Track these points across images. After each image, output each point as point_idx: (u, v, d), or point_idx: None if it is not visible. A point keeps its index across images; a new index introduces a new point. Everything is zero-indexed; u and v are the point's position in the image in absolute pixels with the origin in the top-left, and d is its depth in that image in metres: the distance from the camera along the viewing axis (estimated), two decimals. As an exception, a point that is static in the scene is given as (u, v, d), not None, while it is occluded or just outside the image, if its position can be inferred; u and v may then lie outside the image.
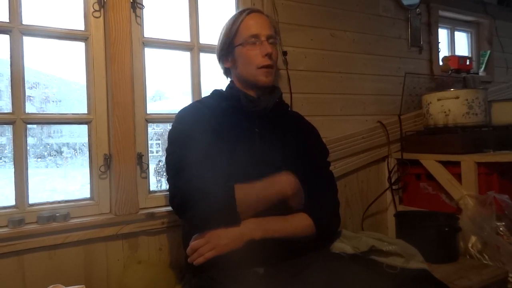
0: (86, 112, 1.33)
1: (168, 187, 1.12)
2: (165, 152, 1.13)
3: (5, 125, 1.23)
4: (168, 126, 1.18)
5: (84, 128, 1.33)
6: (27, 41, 1.23)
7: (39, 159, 1.32)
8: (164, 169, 1.49)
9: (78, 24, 1.31)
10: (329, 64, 1.81)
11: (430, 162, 1.77)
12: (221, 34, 1.22)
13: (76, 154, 1.39)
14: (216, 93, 1.22)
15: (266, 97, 1.16)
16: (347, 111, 1.86)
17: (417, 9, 2.11)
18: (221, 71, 1.29)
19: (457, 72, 2.27)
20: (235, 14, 1.19)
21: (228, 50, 1.18)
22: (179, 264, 1.37)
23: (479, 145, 1.73)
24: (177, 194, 1.06)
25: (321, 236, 1.11)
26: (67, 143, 1.39)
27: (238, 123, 1.11)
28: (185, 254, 1.17)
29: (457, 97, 1.76)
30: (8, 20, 1.20)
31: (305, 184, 1.09)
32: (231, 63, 1.20)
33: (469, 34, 2.61)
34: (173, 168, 1.07)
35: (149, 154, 1.42)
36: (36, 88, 1.31)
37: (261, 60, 1.12)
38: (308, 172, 1.13)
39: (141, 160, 1.37)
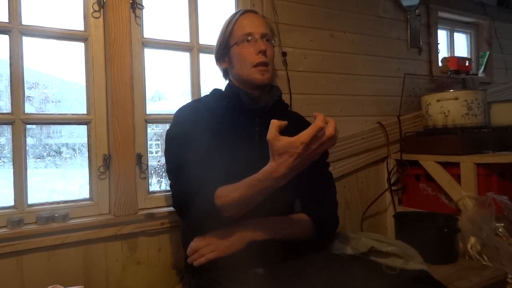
0: (85, 112, 1.32)
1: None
2: (163, 153, 1.13)
3: (4, 125, 1.23)
4: (168, 127, 1.18)
5: (83, 129, 1.33)
6: (27, 41, 1.23)
7: (38, 160, 1.32)
8: (163, 169, 1.49)
9: (77, 24, 1.31)
10: (329, 65, 1.81)
11: (430, 163, 1.77)
12: (218, 36, 1.22)
13: (75, 154, 1.39)
14: (216, 92, 1.22)
15: (267, 95, 1.16)
16: (347, 112, 1.86)
17: (417, 10, 2.12)
18: (221, 73, 1.29)
19: (457, 73, 2.28)
20: (230, 15, 1.20)
21: (224, 51, 1.18)
22: (179, 264, 1.36)
23: (478, 146, 1.73)
24: (176, 196, 1.06)
25: (320, 236, 1.11)
26: (67, 144, 1.39)
27: (238, 122, 1.11)
28: (185, 254, 1.17)
29: (457, 98, 1.77)
30: (7, 20, 1.20)
31: (304, 184, 1.09)
32: (228, 64, 1.20)
33: (469, 35, 2.62)
34: (172, 169, 1.08)
35: (149, 155, 1.42)
36: (35, 88, 1.31)
37: (255, 57, 1.11)
38: (307, 172, 1.13)
39: (140, 161, 1.37)
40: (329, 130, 0.79)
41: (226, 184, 0.94)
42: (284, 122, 0.82)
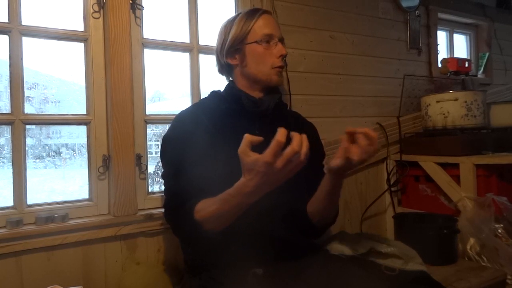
0: (85, 113, 1.32)
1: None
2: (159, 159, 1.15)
3: (3, 126, 1.23)
4: (167, 127, 1.18)
5: (83, 129, 1.33)
6: (26, 41, 1.23)
7: (37, 160, 1.31)
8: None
9: (77, 25, 1.31)
10: (329, 66, 1.81)
11: (429, 164, 1.77)
12: (228, 32, 1.18)
13: (75, 155, 1.39)
14: (215, 94, 1.21)
15: (268, 97, 1.16)
16: (346, 112, 1.86)
17: (416, 11, 2.12)
18: (222, 69, 1.27)
19: (456, 74, 2.28)
20: (248, 12, 1.18)
21: (238, 47, 1.16)
22: (178, 265, 1.36)
23: (478, 147, 1.73)
24: (164, 207, 1.08)
25: (315, 231, 1.14)
26: (66, 144, 1.39)
27: (238, 125, 1.10)
28: (184, 255, 1.17)
29: (456, 99, 1.77)
30: (7, 21, 1.20)
31: (304, 189, 1.09)
32: (238, 61, 1.18)
33: (468, 36, 2.62)
34: (162, 176, 1.10)
35: (148, 155, 1.42)
36: (35, 88, 1.31)
37: (276, 60, 1.14)
38: (307, 176, 1.13)
39: (140, 161, 1.37)
40: (292, 146, 0.73)
41: (220, 191, 0.93)
42: (258, 138, 0.76)
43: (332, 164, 0.93)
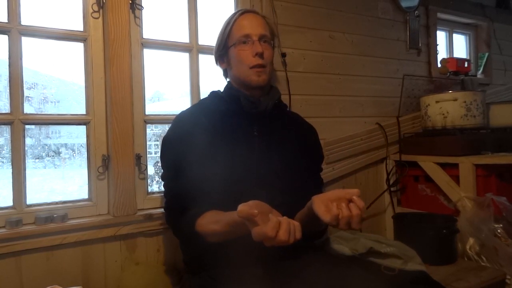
0: (84, 112, 1.32)
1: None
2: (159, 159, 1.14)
3: (3, 126, 1.23)
4: (167, 127, 1.18)
5: (82, 129, 1.33)
6: (26, 41, 1.23)
7: (37, 160, 1.31)
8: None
9: (77, 24, 1.31)
10: (328, 66, 1.81)
11: (428, 164, 1.77)
12: (218, 36, 1.21)
13: (74, 155, 1.39)
14: (214, 94, 1.21)
15: (266, 98, 1.16)
16: (346, 112, 1.86)
17: (416, 12, 2.12)
18: (221, 72, 1.29)
19: (455, 74, 2.28)
20: (230, 15, 1.19)
21: (223, 52, 1.18)
22: (177, 265, 1.36)
23: (477, 147, 1.73)
24: (165, 208, 1.09)
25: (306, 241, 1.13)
26: (65, 144, 1.39)
27: (237, 127, 1.10)
28: (183, 255, 1.17)
29: (455, 99, 1.77)
30: (6, 21, 1.20)
31: (302, 191, 1.09)
32: (226, 64, 1.19)
33: (467, 37, 2.62)
34: (163, 178, 1.10)
35: (148, 155, 1.42)
36: (34, 88, 1.31)
37: (252, 59, 1.10)
38: (305, 178, 1.13)
39: (139, 161, 1.37)
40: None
41: (220, 191, 0.93)
42: (252, 213, 0.75)
43: (320, 215, 0.85)
